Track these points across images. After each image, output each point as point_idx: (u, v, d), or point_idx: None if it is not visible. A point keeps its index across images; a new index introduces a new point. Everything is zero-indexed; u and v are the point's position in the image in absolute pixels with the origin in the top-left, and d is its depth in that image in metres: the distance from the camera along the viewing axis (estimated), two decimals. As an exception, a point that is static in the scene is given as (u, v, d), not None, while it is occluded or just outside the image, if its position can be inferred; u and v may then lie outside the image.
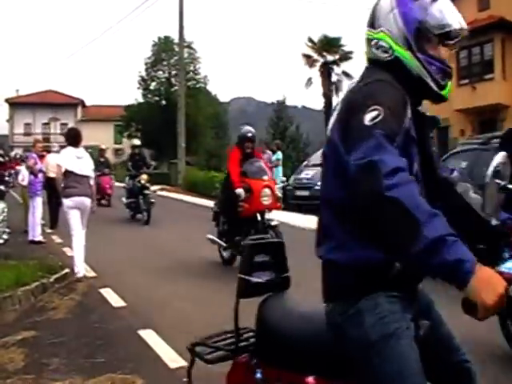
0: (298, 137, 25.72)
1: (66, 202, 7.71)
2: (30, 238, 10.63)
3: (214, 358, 2.11)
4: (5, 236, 8.75)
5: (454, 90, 23.92)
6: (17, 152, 23.91)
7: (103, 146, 20.40)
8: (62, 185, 7.75)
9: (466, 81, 23.81)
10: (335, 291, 1.86)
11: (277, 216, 14.86)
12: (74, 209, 7.69)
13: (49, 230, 12.03)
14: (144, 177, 14.11)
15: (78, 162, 7.79)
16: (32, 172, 10.83)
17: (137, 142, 16.59)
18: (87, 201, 7.82)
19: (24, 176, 12.69)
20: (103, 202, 17.99)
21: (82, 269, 7.60)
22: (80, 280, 7.37)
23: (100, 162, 17.93)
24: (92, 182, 8.08)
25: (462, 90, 23.83)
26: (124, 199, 15.00)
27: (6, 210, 9.21)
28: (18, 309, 6.12)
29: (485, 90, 22.57)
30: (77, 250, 7.67)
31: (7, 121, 60.00)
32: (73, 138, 8.01)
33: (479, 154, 7.58)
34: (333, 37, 39.01)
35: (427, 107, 2.01)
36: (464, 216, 2.00)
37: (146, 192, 13.94)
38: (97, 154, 19.98)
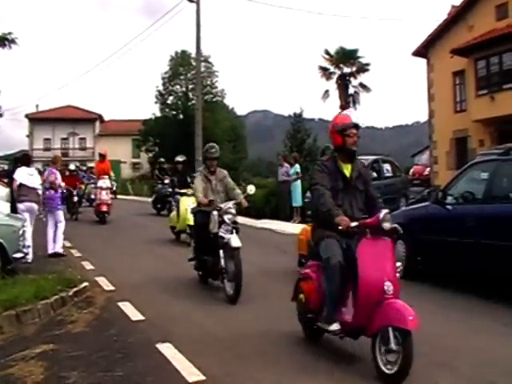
0: (316, 149, 25.64)
1: (20, 206, 10.21)
2: (51, 251, 10.70)
3: None
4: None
5: (472, 100, 23.87)
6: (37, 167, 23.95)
7: None
8: (17, 194, 10.31)
9: (485, 91, 23.58)
10: None
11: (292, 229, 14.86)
12: (26, 212, 10.11)
13: (68, 244, 12.07)
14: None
15: (30, 177, 10.37)
16: (52, 187, 10.98)
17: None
18: (35, 206, 10.35)
19: None
20: None
21: (31, 253, 9.63)
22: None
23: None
24: (40, 192, 10.56)
25: (480, 100, 23.61)
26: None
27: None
28: (38, 322, 6.14)
29: (504, 100, 22.30)
30: (29, 238, 9.73)
31: (27, 136, 60.72)
32: (26, 161, 10.82)
33: (499, 164, 7.45)
34: (350, 49, 38.96)
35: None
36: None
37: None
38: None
